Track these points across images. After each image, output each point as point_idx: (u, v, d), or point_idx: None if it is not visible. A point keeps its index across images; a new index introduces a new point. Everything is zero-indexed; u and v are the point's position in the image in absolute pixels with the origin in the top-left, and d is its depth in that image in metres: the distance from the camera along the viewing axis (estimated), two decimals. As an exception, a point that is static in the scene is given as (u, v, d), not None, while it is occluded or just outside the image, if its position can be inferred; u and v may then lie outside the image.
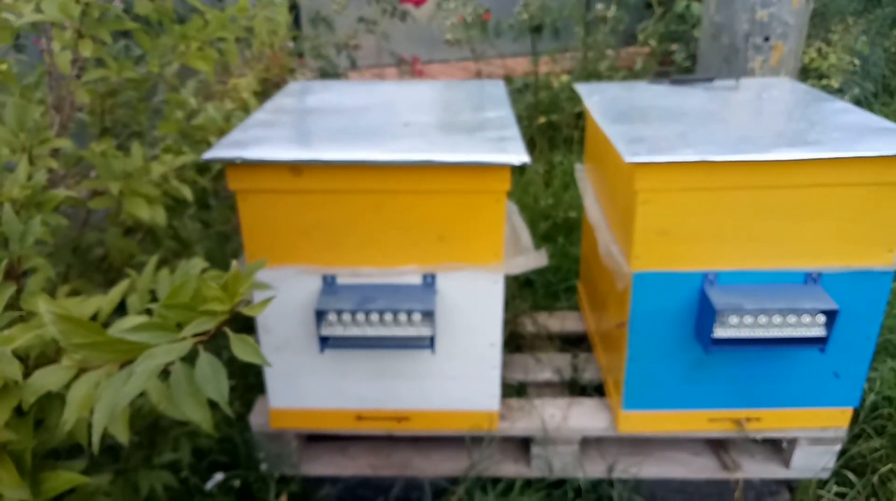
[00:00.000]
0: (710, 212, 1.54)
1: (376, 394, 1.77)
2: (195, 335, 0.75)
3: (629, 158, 1.46)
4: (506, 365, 2.08)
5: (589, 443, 1.91)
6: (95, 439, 0.74)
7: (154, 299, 1.07)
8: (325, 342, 1.59)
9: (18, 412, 0.83)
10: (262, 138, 1.56)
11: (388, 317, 1.56)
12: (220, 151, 1.46)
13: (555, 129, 3.45)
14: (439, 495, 1.84)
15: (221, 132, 1.73)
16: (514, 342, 2.24)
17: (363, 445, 1.96)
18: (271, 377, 1.76)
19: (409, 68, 3.66)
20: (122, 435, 0.81)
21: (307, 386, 1.77)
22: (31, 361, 0.86)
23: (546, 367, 2.09)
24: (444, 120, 1.73)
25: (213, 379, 0.75)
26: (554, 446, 1.83)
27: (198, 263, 1.21)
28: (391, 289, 1.61)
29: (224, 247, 2.88)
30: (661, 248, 1.58)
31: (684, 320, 1.65)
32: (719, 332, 1.56)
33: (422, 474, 1.87)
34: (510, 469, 1.88)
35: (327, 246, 1.58)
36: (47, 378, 0.80)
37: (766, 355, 1.68)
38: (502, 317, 1.66)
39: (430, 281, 1.62)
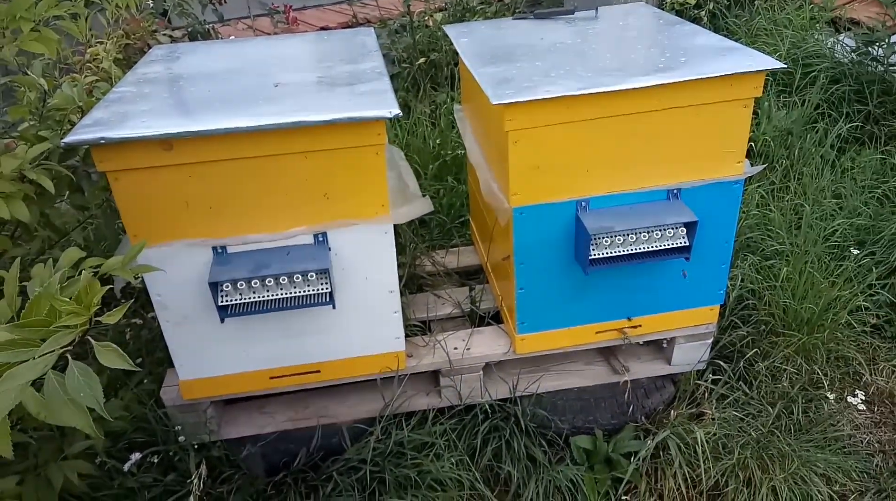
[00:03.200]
0: (577, 143, 1.64)
1: (285, 352, 1.82)
2: (63, 347, 0.76)
3: (496, 100, 1.53)
4: (409, 305, 2.17)
5: (492, 367, 2.04)
6: (-26, 452, 0.74)
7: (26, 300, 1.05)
8: (224, 310, 1.61)
9: None
10: (126, 114, 1.51)
11: (284, 280, 1.59)
12: (82, 132, 1.41)
13: (436, 67, 3.47)
14: (359, 437, 1.93)
15: (83, 110, 1.65)
16: (416, 283, 2.33)
17: (280, 400, 2.02)
18: (177, 352, 1.77)
19: (283, 17, 3.53)
20: (5, 449, 0.81)
21: (215, 355, 1.79)
22: None
23: (447, 302, 2.19)
24: (316, 77, 1.72)
25: (86, 387, 0.77)
26: (460, 375, 1.96)
27: (73, 253, 1.19)
28: (284, 252, 1.63)
29: (115, 224, 2.77)
30: (536, 182, 1.68)
31: (564, 246, 1.78)
32: (595, 253, 1.70)
33: (340, 419, 1.96)
34: (423, 402, 2.00)
35: (213, 217, 1.58)
36: None
37: (639, 268, 1.84)
38: (396, 264, 1.73)
39: (321, 239, 1.65)
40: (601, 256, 1.71)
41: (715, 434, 1.95)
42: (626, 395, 1.99)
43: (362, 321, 1.80)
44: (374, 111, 1.47)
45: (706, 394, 2.11)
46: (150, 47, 2.20)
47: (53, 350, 0.75)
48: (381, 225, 1.66)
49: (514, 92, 1.56)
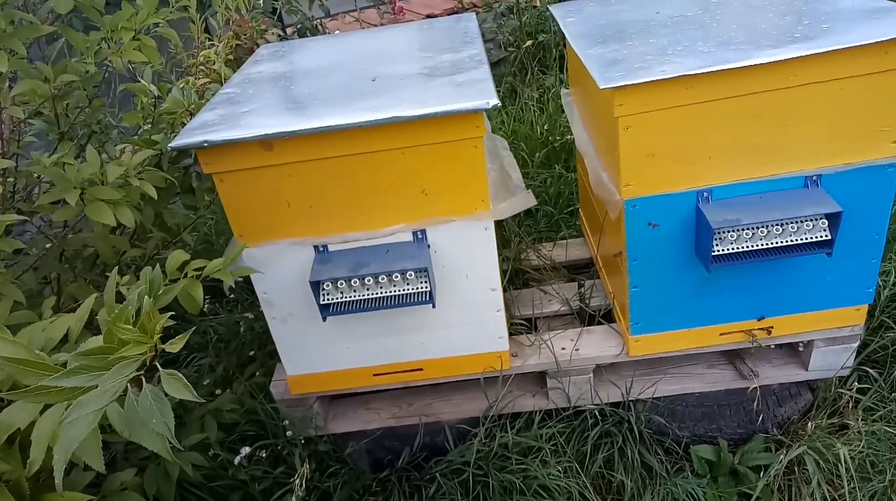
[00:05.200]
0: (697, 128, 1.48)
1: (388, 350, 1.80)
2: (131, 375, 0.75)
3: (604, 84, 1.40)
4: (514, 301, 2.09)
5: (604, 369, 1.92)
6: (58, 481, 0.75)
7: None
8: (325, 309, 1.60)
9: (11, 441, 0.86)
10: (228, 116, 1.52)
11: (384, 278, 1.56)
12: (188, 136, 1.44)
13: (544, 49, 3.32)
14: (463, 437, 1.89)
15: (192, 113, 1.70)
16: (521, 278, 2.24)
17: (385, 397, 2.01)
18: (283, 348, 1.79)
19: (390, 7, 3.52)
20: (98, 464, 0.82)
21: (320, 351, 1.79)
22: (4, 390, 0.88)
23: (554, 299, 2.08)
24: (413, 69, 1.67)
25: (157, 413, 0.76)
26: (568, 377, 1.85)
27: (179, 255, 1.21)
28: (383, 250, 1.60)
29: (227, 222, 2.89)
30: (651, 171, 1.53)
31: (683, 240, 1.62)
32: (719, 249, 1.53)
33: (444, 418, 1.92)
34: (529, 403, 1.92)
35: (313, 216, 1.57)
36: (16, 415, 0.82)
37: (771, 264, 1.65)
38: (498, 261, 1.65)
39: (420, 237, 1.60)
40: (726, 251, 1.54)
41: (862, 451, 1.72)
42: (756, 403, 1.80)
43: (464, 319, 1.74)
44: (470, 103, 1.38)
45: (850, 404, 1.87)
46: (258, 46, 2.24)
47: (119, 379, 0.74)
48: (481, 221, 1.58)
49: (625, 74, 1.42)
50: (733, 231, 1.51)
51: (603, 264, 2.06)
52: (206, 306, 2.36)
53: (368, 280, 1.57)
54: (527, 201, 1.61)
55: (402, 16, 3.62)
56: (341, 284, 1.57)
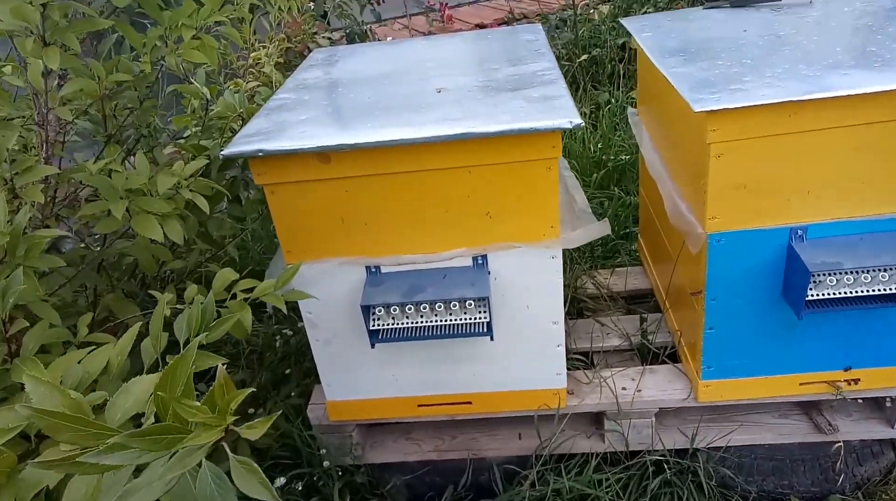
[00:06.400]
0: (796, 159, 1.34)
1: (436, 380, 1.67)
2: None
3: (698, 107, 1.27)
4: (569, 333, 1.95)
5: (666, 412, 1.77)
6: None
7: (172, 334, 0.96)
8: (375, 335, 1.49)
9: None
10: (284, 124, 1.42)
11: (440, 306, 1.44)
12: (241, 144, 1.33)
13: (598, 64, 3.19)
14: (510, 477, 1.75)
15: (244, 118, 1.60)
16: (575, 306, 2.10)
17: (426, 427, 1.88)
18: (325, 371, 1.68)
19: (439, 15, 3.42)
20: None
21: (362, 377, 1.68)
22: (34, 437, 0.77)
23: (612, 333, 1.94)
24: (480, 80, 1.55)
25: (218, 497, 0.64)
26: (629, 419, 1.71)
27: (226, 274, 1.10)
28: (440, 275, 1.48)
29: (267, 226, 2.78)
30: (740, 204, 1.39)
31: (769, 281, 1.47)
32: (814, 294, 1.38)
33: (490, 455, 1.79)
34: (584, 444, 1.77)
35: (367, 235, 1.46)
36: (44, 472, 0.71)
37: (865, 311, 1.49)
38: (563, 293, 1.52)
39: (481, 262, 1.48)
40: (821, 297, 1.39)
41: (958, 525, 1.55)
42: (840, 462, 1.64)
43: (521, 353, 1.61)
44: (551, 121, 1.26)
45: (939, 468, 1.70)
46: (309, 50, 2.14)
47: (179, 471, 0.63)
48: (549, 249, 1.46)
49: (720, 96, 1.28)
50: (832, 275, 1.36)
51: (670, 298, 1.91)
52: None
53: (424, 307, 1.45)
54: (601, 229, 1.48)
55: (451, 24, 3.53)
56: (394, 309, 1.45)
